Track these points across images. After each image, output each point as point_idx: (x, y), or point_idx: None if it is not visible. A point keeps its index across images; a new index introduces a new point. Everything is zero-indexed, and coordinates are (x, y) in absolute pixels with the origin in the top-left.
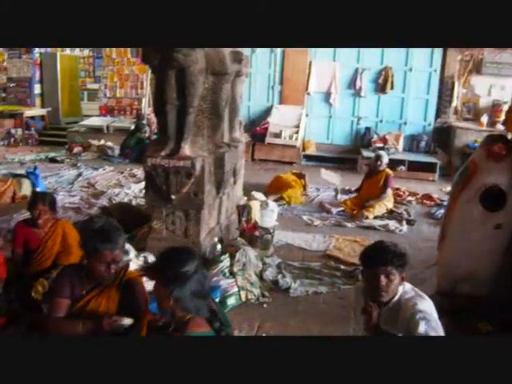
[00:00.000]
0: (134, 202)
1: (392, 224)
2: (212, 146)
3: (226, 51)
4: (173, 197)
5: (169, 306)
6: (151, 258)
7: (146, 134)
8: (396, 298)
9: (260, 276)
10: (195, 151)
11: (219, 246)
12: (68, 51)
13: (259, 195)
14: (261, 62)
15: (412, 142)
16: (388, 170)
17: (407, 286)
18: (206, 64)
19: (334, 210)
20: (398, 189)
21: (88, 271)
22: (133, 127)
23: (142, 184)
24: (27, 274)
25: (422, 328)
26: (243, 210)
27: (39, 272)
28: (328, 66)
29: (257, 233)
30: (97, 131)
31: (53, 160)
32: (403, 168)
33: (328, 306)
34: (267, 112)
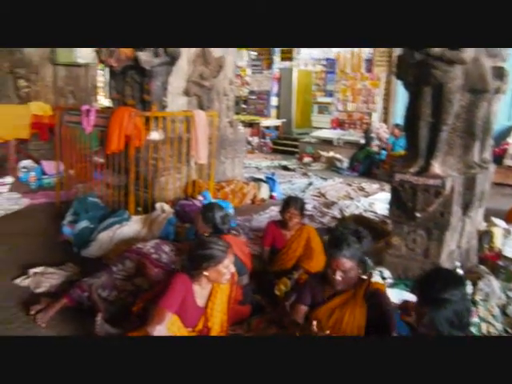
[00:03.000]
0: (363, 215)
1: None
2: (462, 166)
3: (487, 66)
4: (418, 215)
5: (424, 324)
6: (387, 274)
7: (376, 149)
8: None
9: (502, 310)
10: (445, 170)
11: (460, 271)
12: (302, 66)
13: (500, 222)
14: None
15: None
16: None
17: None
18: (464, 80)
19: None
20: None
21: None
22: (362, 141)
23: (372, 198)
24: (271, 271)
25: None
26: (485, 236)
27: (282, 271)
28: None
29: (500, 262)
30: (327, 143)
31: (285, 168)
32: None
33: None
34: (507, 132)
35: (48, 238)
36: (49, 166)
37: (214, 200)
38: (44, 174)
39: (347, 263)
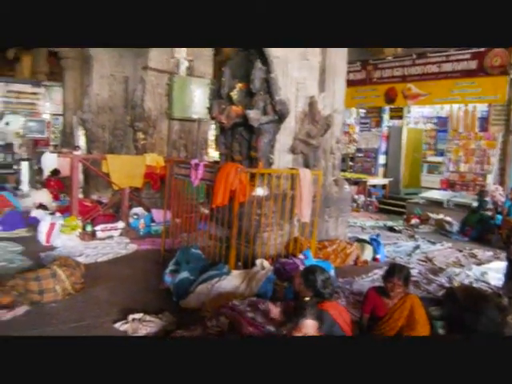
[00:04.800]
0: (474, 286)
1: None
2: None
3: None
4: None
5: None
6: None
7: (490, 213)
8: None
9: None
10: None
11: None
12: (413, 124)
13: None
14: None
15: None
16: None
17: None
18: None
19: None
20: None
21: None
22: (475, 204)
23: (485, 266)
24: None
25: None
26: None
27: None
28: None
29: None
30: (436, 204)
31: (391, 229)
32: None
33: None
34: None
35: (150, 285)
36: (158, 214)
37: (315, 260)
38: (153, 221)
39: None
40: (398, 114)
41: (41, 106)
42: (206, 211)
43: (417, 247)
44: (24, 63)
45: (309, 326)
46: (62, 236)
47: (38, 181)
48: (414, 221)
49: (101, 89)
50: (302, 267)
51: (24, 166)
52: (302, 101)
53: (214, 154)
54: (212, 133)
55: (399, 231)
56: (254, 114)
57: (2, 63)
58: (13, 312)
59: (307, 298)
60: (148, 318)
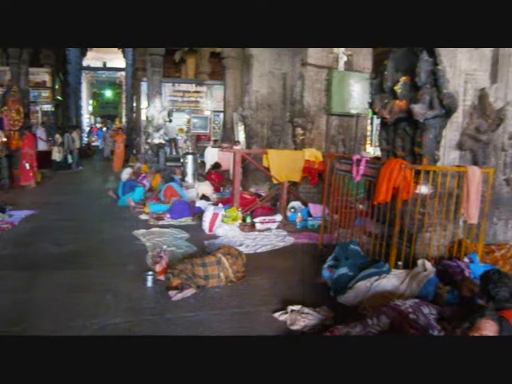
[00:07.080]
0: None
1: None
2: None
3: None
4: None
5: None
6: None
7: None
8: None
9: None
10: None
11: None
12: None
13: None
14: None
15: None
16: None
17: None
18: None
19: None
20: None
21: None
22: None
23: None
24: None
25: None
26: None
27: None
28: None
29: None
30: None
31: None
32: None
33: None
34: None
35: (307, 278)
36: (315, 208)
37: (481, 264)
38: (309, 215)
39: None
40: None
41: (203, 104)
42: (365, 208)
43: None
44: (188, 65)
45: (488, 328)
46: (223, 226)
47: (200, 173)
48: None
49: (260, 86)
50: (466, 271)
51: (189, 160)
52: (471, 93)
53: (370, 149)
54: (369, 128)
55: None
56: (419, 109)
57: (169, 65)
58: (182, 294)
59: (481, 301)
60: (306, 310)
